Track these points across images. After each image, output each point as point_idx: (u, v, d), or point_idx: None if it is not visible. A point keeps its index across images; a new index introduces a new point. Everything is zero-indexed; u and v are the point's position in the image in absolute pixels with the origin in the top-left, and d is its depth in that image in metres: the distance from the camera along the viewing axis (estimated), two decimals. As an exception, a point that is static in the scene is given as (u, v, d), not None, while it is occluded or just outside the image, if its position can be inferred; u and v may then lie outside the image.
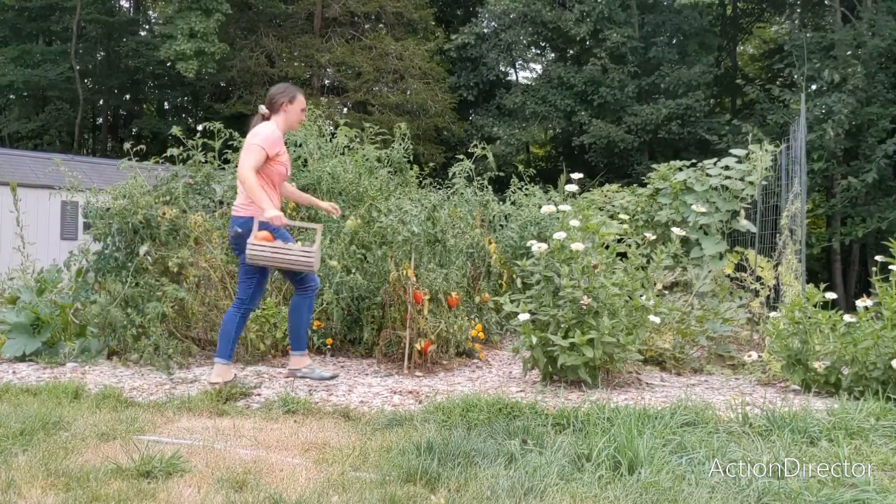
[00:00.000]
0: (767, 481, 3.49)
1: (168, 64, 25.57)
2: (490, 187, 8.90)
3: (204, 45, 23.32)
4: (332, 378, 5.83)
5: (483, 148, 8.09)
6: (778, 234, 7.90)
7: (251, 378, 5.99)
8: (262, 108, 5.63)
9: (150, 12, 33.60)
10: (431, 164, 11.27)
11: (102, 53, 30.92)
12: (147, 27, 33.46)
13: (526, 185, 10.15)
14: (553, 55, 31.23)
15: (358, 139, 8.10)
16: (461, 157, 8.57)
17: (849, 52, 22.23)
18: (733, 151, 9.15)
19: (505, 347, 7.94)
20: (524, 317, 5.72)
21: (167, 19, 24.35)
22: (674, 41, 28.12)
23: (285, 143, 7.29)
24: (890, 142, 20.53)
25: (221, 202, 7.64)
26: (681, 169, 9.44)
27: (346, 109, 27.51)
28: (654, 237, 8.11)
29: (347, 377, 6.20)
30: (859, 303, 5.71)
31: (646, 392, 5.74)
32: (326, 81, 28.78)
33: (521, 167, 10.65)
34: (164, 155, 7.55)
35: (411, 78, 26.16)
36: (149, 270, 7.00)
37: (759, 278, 7.86)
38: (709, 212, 8.65)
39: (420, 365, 6.56)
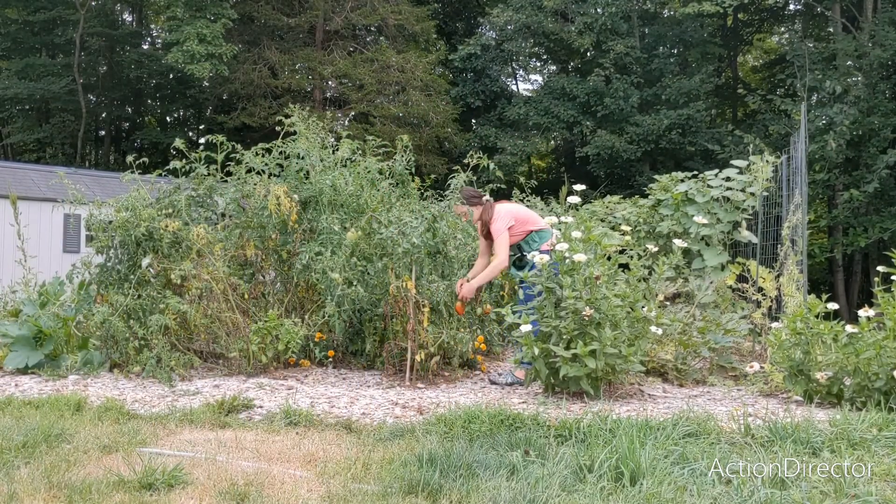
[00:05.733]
0: (770, 492, 3.48)
1: (177, 70, 25.59)
2: (491, 199, 8.89)
3: (213, 49, 23.45)
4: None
5: (480, 157, 8.10)
6: (779, 245, 7.90)
7: (253, 390, 5.99)
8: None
9: (153, 25, 33.72)
10: (433, 176, 11.29)
11: (105, 66, 31.04)
12: (149, 39, 33.59)
13: (528, 196, 10.16)
14: (555, 67, 31.32)
15: (360, 151, 8.12)
16: (458, 168, 8.55)
17: (849, 63, 22.27)
18: (734, 162, 9.17)
19: (507, 359, 7.94)
20: (526, 328, 5.73)
21: (172, 27, 24.40)
22: (675, 52, 28.22)
23: (287, 156, 7.33)
24: (892, 152, 20.52)
25: (224, 215, 7.65)
26: (682, 180, 9.45)
27: (347, 121, 27.58)
28: (656, 248, 8.11)
29: (349, 389, 6.20)
30: (861, 313, 5.70)
31: (648, 403, 5.73)
32: (328, 93, 28.86)
33: (522, 179, 10.67)
34: (167, 167, 7.57)
35: (413, 90, 26.21)
36: (151, 283, 7.02)
37: (760, 289, 7.86)
38: (710, 223, 8.66)
39: (422, 376, 6.56)
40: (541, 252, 6.40)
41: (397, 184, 8.23)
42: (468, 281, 6.74)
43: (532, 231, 6.75)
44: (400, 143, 8.31)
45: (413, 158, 8.46)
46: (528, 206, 9.97)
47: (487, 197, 6.98)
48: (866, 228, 21.81)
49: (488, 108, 28.83)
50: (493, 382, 6.63)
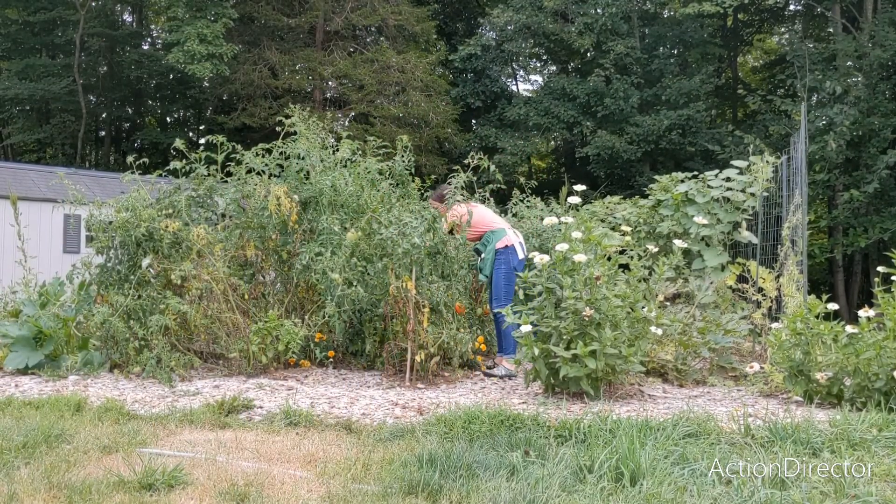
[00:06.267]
0: (770, 492, 3.48)
1: (177, 70, 25.57)
2: (492, 199, 8.90)
3: (213, 49, 23.42)
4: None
5: (480, 159, 8.10)
6: (779, 246, 7.91)
7: (253, 391, 5.99)
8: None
9: (153, 26, 33.73)
10: (433, 176, 11.27)
11: (105, 67, 31.04)
12: (150, 40, 33.60)
13: (527, 196, 10.16)
14: (555, 67, 31.34)
15: (360, 151, 8.11)
16: (458, 168, 8.54)
17: (849, 63, 22.28)
18: (734, 163, 9.16)
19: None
20: (526, 328, 5.73)
21: (173, 27, 24.39)
22: (675, 52, 28.24)
23: (287, 157, 7.35)
24: (892, 152, 20.52)
25: (224, 215, 7.65)
26: (682, 181, 9.45)
27: (347, 122, 27.58)
28: (656, 249, 8.11)
29: (349, 390, 6.20)
30: (861, 313, 5.70)
31: (648, 404, 5.73)
32: (328, 94, 28.86)
33: (522, 179, 10.66)
34: (167, 168, 7.57)
35: (413, 90, 26.21)
36: (151, 283, 7.02)
37: (760, 289, 7.86)
38: (710, 223, 8.66)
39: (422, 377, 6.56)
40: (497, 250, 7.16)
41: (397, 184, 8.23)
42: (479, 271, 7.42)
43: (486, 232, 7.36)
44: (400, 143, 8.30)
45: (413, 159, 8.45)
46: (527, 206, 9.99)
47: (455, 197, 7.47)
48: (866, 229, 21.82)
49: (488, 109, 28.84)
50: (487, 374, 6.96)
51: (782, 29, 31.37)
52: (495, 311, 7.15)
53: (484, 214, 7.52)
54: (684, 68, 27.64)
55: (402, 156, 8.22)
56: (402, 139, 8.27)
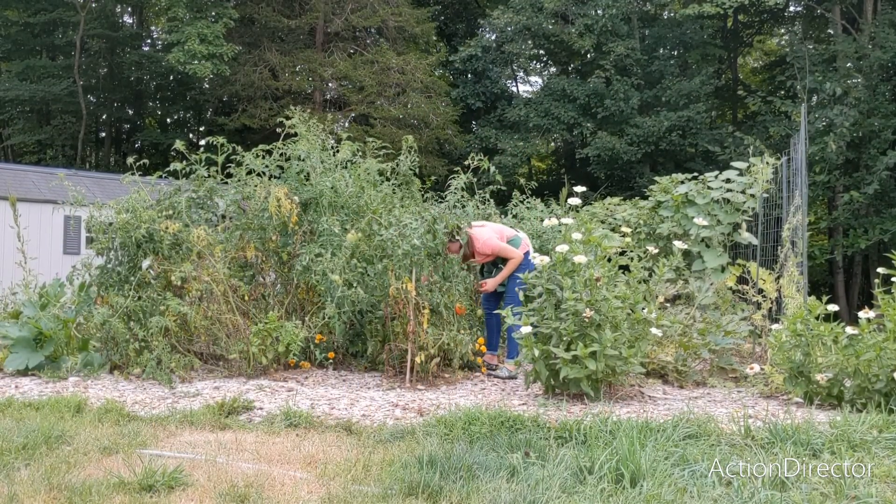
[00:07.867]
0: (770, 493, 3.48)
1: (177, 71, 25.55)
2: (492, 200, 8.90)
3: (214, 49, 23.40)
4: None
5: (480, 160, 8.09)
6: (780, 247, 7.90)
7: (253, 392, 5.99)
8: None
9: (153, 27, 33.73)
10: (433, 178, 11.26)
11: (105, 68, 31.03)
12: (150, 41, 33.59)
13: (527, 198, 10.16)
14: (555, 68, 31.34)
15: (360, 153, 8.12)
16: (458, 170, 8.55)
17: (849, 64, 22.27)
18: (734, 164, 9.16)
19: (507, 360, 7.93)
20: (526, 329, 5.73)
21: (173, 28, 24.37)
22: (675, 53, 28.24)
23: (288, 158, 7.36)
24: (892, 153, 20.50)
25: (224, 216, 7.65)
26: (682, 182, 9.45)
27: (348, 123, 27.57)
28: (656, 250, 8.10)
29: (349, 391, 6.20)
30: (861, 314, 5.70)
31: (648, 405, 5.73)
32: (328, 95, 28.84)
33: (522, 180, 10.67)
34: (167, 169, 7.57)
35: (413, 91, 26.19)
36: (151, 284, 7.02)
37: (761, 291, 7.85)
38: (710, 224, 8.66)
39: (422, 378, 6.56)
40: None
41: (401, 185, 8.23)
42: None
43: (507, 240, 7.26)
44: (405, 143, 8.31)
45: (416, 159, 8.46)
46: (527, 207, 10.01)
47: (459, 232, 7.14)
48: (866, 230, 21.80)
49: (488, 110, 28.83)
50: (490, 372, 7.13)
51: (782, 30, 31.34)
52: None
53: (501, 230, 7.37)
54: (684, 69, 27.63)
55: (407, 156, 8.22)
56: (407, 139, 8.29)
